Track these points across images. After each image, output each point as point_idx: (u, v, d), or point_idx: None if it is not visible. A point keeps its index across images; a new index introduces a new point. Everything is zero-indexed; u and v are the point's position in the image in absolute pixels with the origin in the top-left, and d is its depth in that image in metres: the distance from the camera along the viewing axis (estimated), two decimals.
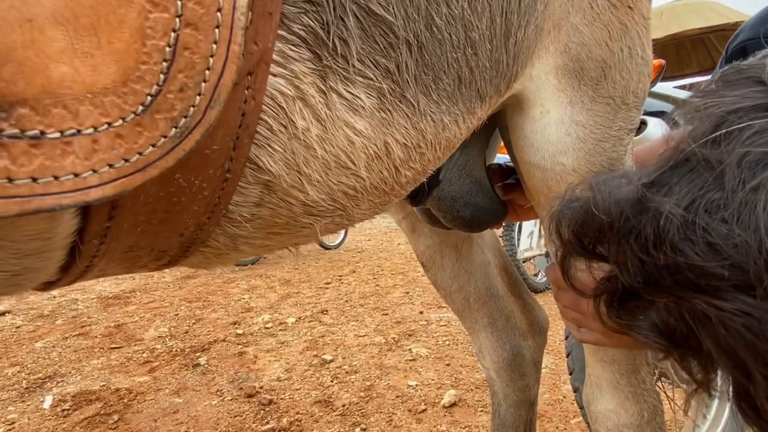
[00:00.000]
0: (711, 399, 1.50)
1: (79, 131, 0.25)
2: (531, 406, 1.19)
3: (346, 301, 3.53)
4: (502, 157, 1.19)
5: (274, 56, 0.34)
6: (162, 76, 0.26)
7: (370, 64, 0.39)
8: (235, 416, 1.89)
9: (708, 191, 0.32)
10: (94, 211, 0.34)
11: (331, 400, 2.01)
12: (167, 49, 0.25)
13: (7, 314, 3.09)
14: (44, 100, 0.22)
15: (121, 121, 0.26)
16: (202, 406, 1.97)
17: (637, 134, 1.04)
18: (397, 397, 2.03)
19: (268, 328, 2.92)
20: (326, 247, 5.67)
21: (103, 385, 2.14)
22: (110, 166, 0.27)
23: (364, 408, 1.94)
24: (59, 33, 0.21)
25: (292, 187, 0.42)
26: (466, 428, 1.78)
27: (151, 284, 3.98)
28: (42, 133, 0.24)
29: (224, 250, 0.49)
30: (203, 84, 0.28)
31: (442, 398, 1.99)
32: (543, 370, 2.10)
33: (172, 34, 0.25)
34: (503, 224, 2.59)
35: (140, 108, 0.26)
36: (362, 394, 2.05)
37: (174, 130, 0.29)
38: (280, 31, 0.34)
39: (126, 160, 0.28)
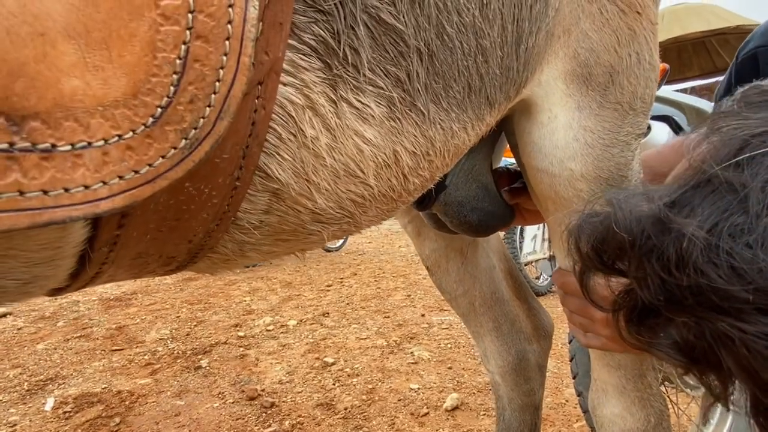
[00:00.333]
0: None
1: (89, 144, 0.24)
2: (536, 411, 1.18)
3: (348, 303, 3.53)
4: (507, 160, 1.18)
5: (285, 65, 0.34)
6: (172, 88, 0.26)
7: (381, 72, 0.39)
8: (237, 419, 1.89)
9: (731, 215, 0.32)
10: (104, 221, 0.34)
11: (333, 403, 2.01)
12: (178, 61, 0.25)
13: (8, 316, 3.09)
14: (56, 113, 0.22)
15: (131, 133, 0.26)
16: (204, 408, 1.97)
17: None
18: (399, 400, 2.02)
19: (269, 330, 2.92)
20: (327, 250, 5.67)
21: (105, 388, 2.14)
22: (120, 177, 0.27)
23: (366, 411, 1.93)
24: (71, 47, 0.21)
25: (301, 195, 0.42)
26: None
27: (152, 286, 3.98)
28: (53, 146, 0.23)
29: (232, 256, 0.50)
30: (213, 95, 0.28)
31: (444, 402, 1.98)
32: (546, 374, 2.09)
33: (183, 47, 0.25)
34: None
35: (150, 120, 0.26)
36: (364, 397, 2.05)
37: (184, 141, 0.28)
38: (290, 41, 0.34)
39: (136, 172, 0.28)
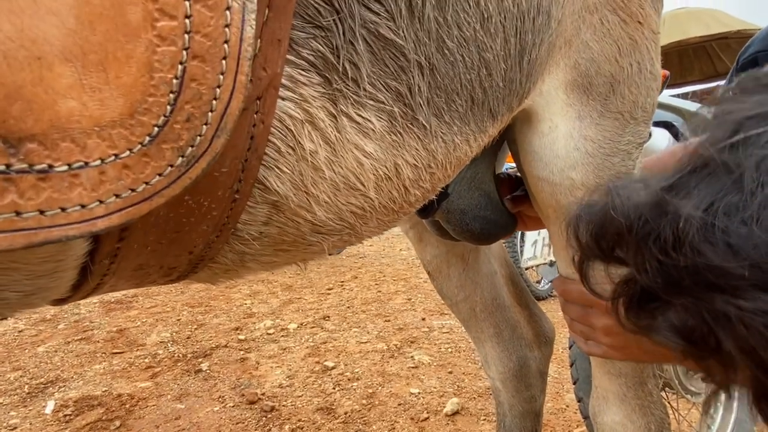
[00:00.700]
0: (715, 410, 1.49)
1: (86, 164, 0.24)
2: (536, 417, 1.18)
3: (348, 307, 3.52)
4: (509, 165, 1.18)
5: (284, 80, 0.34)
6: (169, 107, 0.25)
7: (381, 87, 0.38)
8: (237, 423, 1.89)
9: (727, 194, 0.32)
10: (104, 235, 0.34)
11: (333, 407, 2.00)
12: (174, 81, 0.25)
13: (9, 318, 3.09)
14: (52, 134, 0.22)
15: (128, 152, 0.26)
16: (204, 412, 1.97)
17: None
18: (400, 405, 2.02)
19: (270, 334, 2.91)
20: (329, 253, 5.64)
21: (105, 391, 2.13)
22: (117, 196, 0.27)
23: (367, 416, 1.93)
24: (68, 69, 0.21)
25: (300, 207, 0.42)
26: None
27: (153, 289, 3.98)
28: (50, 166, 0.23)
29: (232, 266, 0.50)
30: (210, 113, 0.28)
31: (444, 406, 1.98)
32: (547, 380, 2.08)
33: (180, 67, 0.25)
34: None
35: (147, 139, 0.26)
36: (364, 401, 2.04)
37: (181, 159, 0.28)
38: (289, 56, 0.34)
39: (133, 190, 0.27)
